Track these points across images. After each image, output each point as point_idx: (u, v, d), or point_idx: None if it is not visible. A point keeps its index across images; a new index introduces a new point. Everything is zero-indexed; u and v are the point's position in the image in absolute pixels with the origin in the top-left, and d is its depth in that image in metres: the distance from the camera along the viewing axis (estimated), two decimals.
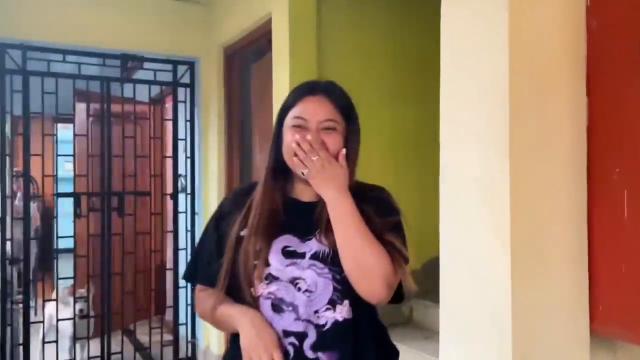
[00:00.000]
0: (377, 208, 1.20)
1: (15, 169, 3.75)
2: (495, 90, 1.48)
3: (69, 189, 3.74)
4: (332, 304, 1.17)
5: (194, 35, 3.83)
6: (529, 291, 1.47)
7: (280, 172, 1.26)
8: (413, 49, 3.01)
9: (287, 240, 1.21)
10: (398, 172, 2.89)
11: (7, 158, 3.40)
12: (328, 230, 1.20)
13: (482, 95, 1.53)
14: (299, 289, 1.18)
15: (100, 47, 3.59)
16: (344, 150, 1.20)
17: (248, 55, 3.64)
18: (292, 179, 1.27)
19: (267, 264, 1.19)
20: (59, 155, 3.54)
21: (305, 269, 1.18)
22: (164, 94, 4.39)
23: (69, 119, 4.04)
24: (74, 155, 3.65)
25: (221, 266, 1.21)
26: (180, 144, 3.92)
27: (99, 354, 3.62)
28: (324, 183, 1.16)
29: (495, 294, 1.47)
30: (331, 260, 1.18)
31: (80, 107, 3.84)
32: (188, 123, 3.92)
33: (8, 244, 3.35)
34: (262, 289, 1.19)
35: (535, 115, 1.51)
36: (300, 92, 1.25)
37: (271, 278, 1.19)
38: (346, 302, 1.18)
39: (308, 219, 1.23)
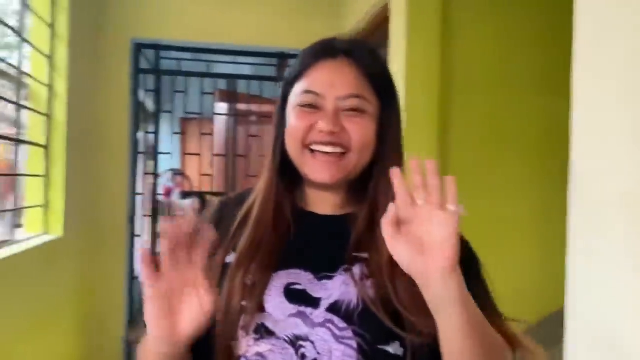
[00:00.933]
0: (467, 270, 0.70)
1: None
2: None
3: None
4: None
5: (319, 25, 3.54)
6: None
7: (286, 172, 0.85)
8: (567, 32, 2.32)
9: (294, 275, 0.79)
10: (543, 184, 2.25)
11: (141, 156, 3.47)
12: (361, 265, 0.76)
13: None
14: (302, 357, 0.75)
15: (235, 45, 3.49)
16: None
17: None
18: (300, 183, 0.86)
19: (261, 309, 0.77)
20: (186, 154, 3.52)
21: (317, 326, 0.76)
22: None
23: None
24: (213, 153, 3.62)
25: None
26: None
27: None
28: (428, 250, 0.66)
29: None
30: (359, 318, 0.74)
31: (216, 106, 3.83)
32: None
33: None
34: (246, 346, 0.76)
35: None
36: (311, 55, 0.83)
37: (263, 331, 0.77)
38: None
39: (329, 245, 0.81)
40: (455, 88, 2.33)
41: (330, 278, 0.77)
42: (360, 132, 0.78)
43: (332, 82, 0.79)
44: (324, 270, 0.78)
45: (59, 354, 2.75)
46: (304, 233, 0.82)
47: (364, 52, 0.83)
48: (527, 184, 2.39)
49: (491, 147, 2.36)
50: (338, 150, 0.79)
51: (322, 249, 0.81)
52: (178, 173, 5.72)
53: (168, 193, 5.46)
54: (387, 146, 0.80)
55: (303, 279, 0.78)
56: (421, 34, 2.25)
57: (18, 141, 2.34)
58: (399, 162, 0.79)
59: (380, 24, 2.75)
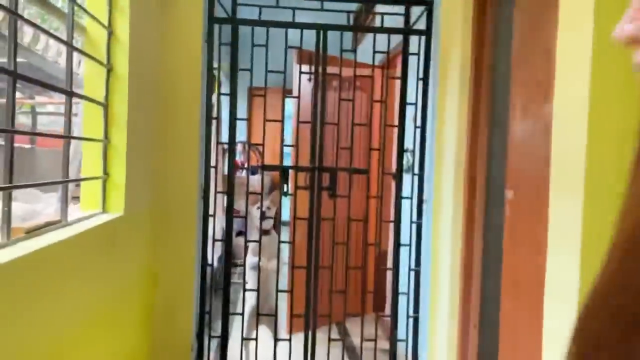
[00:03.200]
0: None
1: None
2: None
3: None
4: None
5: None
6: None
7: None
8: None
9: None
10: None
11: (214, 122, 2.95)
12: None
13: None
14: None
15: None
16: None
17: None
18: None
19: None
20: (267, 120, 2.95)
21: None
22: (391, 54, 3.54)
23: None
24: (282, 121, 3.05)
25: None
26: (409, 110, 3.02)
27: (301, 352, 3.00)
28: None
29: None
30: None
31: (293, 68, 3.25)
32: (420, 82, 2.99)
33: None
34: None
35: None
36: None
37: None
38: None
39: None
40: None
41: None
42: None
43: None
44: None
45: (121, 351, 2.31)
46: None
47: None
48: None
49: None
50: None
51: None
52: (249, 145, 5.24)
53: (237, 168, 4.98)
54: None
55: None
56: None
57: (71, 94, 1.84)
58: None
59: None
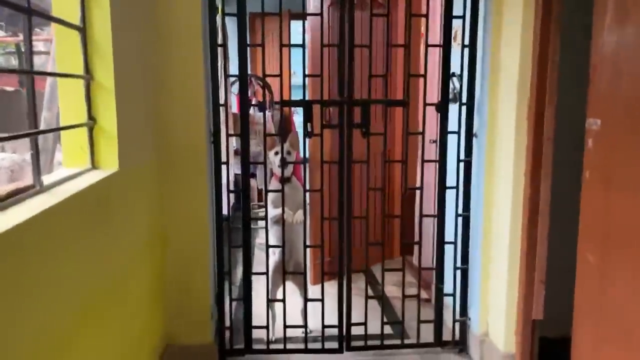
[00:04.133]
0: None
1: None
2: None
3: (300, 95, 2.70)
4: None
5: None
6: None
7: None
8: None
9: None
10: None
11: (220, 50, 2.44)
12: None
13: None
14: None
15: None
16: None
17: None
18: None
19: None
20: (284, 45, 2.42)
21: None
22: None
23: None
24: (303, 47, 2.53)
25: None
26: (455, 25, 2.49)
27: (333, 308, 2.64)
28: None
29: None
30: None
31: None
32: None
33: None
34: None
35: None
36: None
37: None
38: None
39: None
40: None
41: None
42: None
43: None
44: None
45: (132, 327, 1.94)
46: None
47: None
48: None
49: None
50: None
51: None
52: (258, 79, 4.68)
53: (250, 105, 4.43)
54: None
55: None
56: None
57: (30, 12, 1.33)
58: None
59: None
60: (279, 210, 2.60)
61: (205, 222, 2.41)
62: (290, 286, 2.77)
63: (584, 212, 1.91)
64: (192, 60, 2.28)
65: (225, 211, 2.50)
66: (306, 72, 2.52)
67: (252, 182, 4.90)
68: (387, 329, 2.70)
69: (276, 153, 2.71)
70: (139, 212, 2.06)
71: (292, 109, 4.97)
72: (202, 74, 2.31)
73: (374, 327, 2.62)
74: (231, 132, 2.67)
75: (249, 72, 2.53)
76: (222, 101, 2.46)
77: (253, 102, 4.36)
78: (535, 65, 2.16)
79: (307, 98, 2.48)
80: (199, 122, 2.32)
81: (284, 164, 2.65)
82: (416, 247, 3.89)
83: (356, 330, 2.62)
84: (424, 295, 2.94)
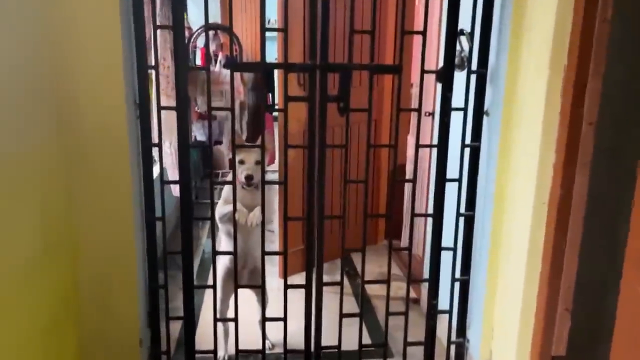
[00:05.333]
0: None
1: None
2: None
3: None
4: None
5: None
6: None
7: None
8: None
9: None
10: None
11: None
12: None
13: None
14: None
15: None
16: None
17: None
18: None
19: None
20: None
21: None
22: None
23: None
24: None
25: None
26: None
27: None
28: None
29: None
30: None
31: None
32: None
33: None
34: None
35: None
36: None
37: None
38: None
39: None
40: None
41: None
42: None
43: None
44: None
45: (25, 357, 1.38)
46: None
47: None
48: None
49: None
50: None
51: None
52: (222, 29, 3.98)
53: (209, 60, 3.78)
54: None
55: None
56: None
57: None
58: None
59: None
60: (229, 207, 2.01)
61: (130, 222, 1.83)
62: (246, 293, 2.23)
63: (635, 231, 1.34)
64: (106, 3, 1.65)
65: (160, 210, 1.92)
66: (277, 25, 1.89)
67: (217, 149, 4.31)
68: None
69: (241, 162, 2.10)
70: (27, 212, 1.47)
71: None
72: (120, 22, 1.68)
73: (351, 338, 2.09)
74: (165, 103, 2.05)
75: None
76: (152, 61, 1.83)
77: (219, 58, 3.72)
78: (580, 21, 1.55)
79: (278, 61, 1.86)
80: (116, 91, 1.71)
81: (249, 180, 2.08)
82: (404, 234, 3.37)
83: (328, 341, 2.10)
84: (412, 294, 2.40)
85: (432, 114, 2.76)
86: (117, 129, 1.73)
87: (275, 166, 3.25)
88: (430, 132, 2.79)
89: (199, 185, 4.45)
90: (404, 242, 3.25)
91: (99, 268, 1.85)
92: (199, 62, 3.76)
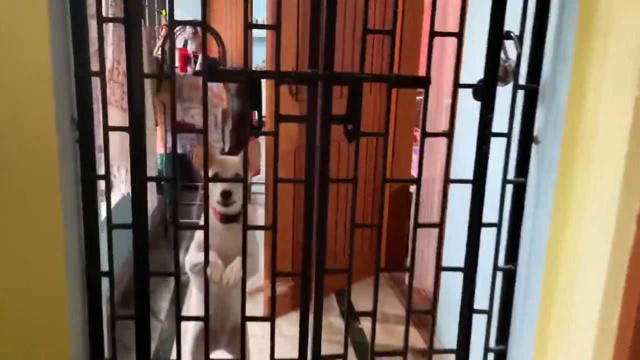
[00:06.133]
0: None
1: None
2: None
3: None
4: None
5: None
6: None
7: None
8: None
9: None
10: None
11: None
12: None
13: None
14: None
15: None
16: None
17: None
18: None
19: None
20: None
21: None
22: None
23: None
24: None
25: None
26: None
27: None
28: None
29: None
30: None
31: None
32: None
33: None
34: None
35: None
36: None
37: None
38: None
39: None
40: None
41: None
42: None
43: None
44: None
45: None
46: None
47: None
48: None
49: None
50: None
51: None
52: (194, 25, 3.50)
53: (186, 62, 3.34)
54: None
55: None
56: None
57: None
58: None
59: None
60: (200, 257, 1.53)
61: (62, 282, 1.35)
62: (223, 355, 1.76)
63: None
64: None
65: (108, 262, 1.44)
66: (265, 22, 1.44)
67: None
68: None
69: (215, 176, 1.62)
70: None
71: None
72: (49, 13, 1.22)
73: None
74: (117, 122, 1.58)
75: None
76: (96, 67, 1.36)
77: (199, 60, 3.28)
78: None
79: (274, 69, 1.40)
80: (42, 105, 1.24)
81: (226, 199, 1.58)
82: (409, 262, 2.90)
83: None
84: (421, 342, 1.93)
85: (448, 135, 2.32)
86: (44, 155, 1.26)
87: (260, 178, 2.62)
88: (442, 150, 2.36)
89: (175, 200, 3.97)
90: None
91: (18, 340, 1.36)
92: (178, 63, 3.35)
